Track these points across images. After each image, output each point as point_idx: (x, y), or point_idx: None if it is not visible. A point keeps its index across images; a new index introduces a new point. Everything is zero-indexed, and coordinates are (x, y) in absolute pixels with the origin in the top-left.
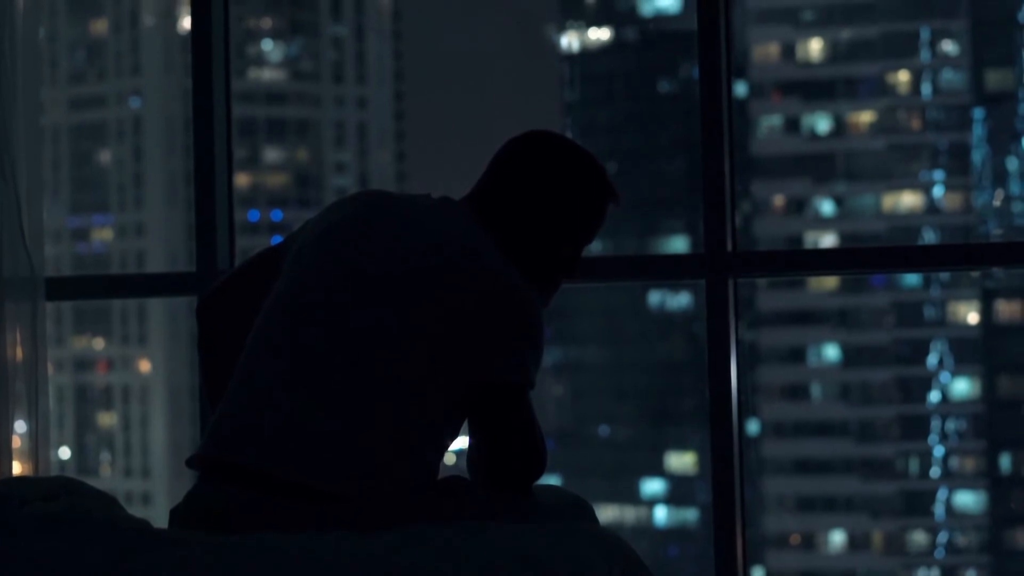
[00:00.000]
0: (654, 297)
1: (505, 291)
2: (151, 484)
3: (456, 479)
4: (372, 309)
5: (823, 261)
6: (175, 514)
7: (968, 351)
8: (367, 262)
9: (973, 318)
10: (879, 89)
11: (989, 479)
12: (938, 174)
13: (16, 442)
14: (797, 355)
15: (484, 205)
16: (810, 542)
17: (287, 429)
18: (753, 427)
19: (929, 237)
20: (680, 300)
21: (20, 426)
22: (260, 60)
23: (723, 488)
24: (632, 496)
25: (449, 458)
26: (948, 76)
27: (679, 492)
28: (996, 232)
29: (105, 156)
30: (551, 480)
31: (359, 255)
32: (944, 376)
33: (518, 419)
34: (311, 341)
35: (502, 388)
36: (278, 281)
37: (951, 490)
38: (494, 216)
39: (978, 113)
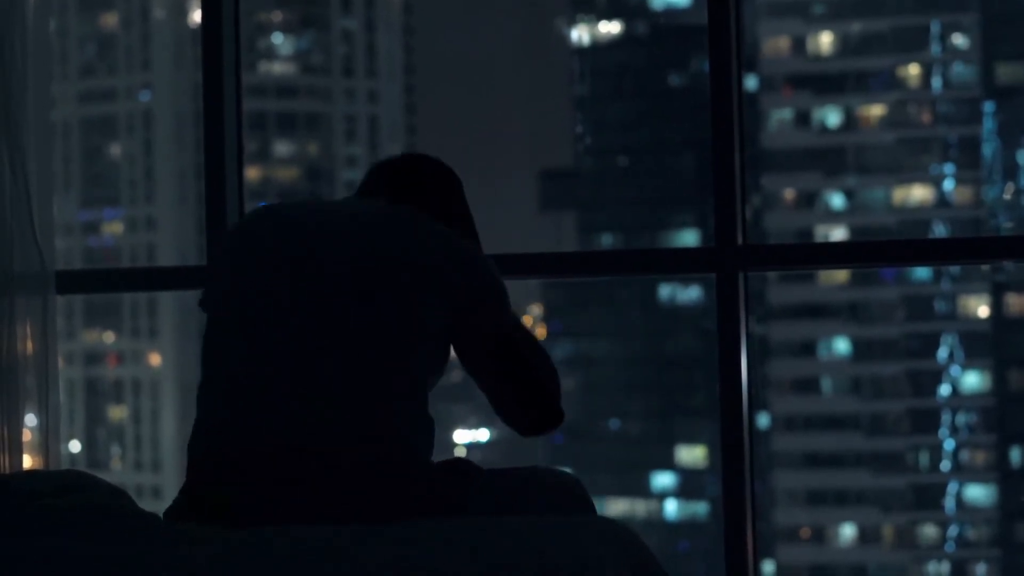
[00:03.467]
0: (664, 291)
1: (457, 244)
2: (161, 478)
3: (460, 460)
4: (346, 284)
5: (833, 255)
6: (172, 514)
7: (978, 345)
8: (329, 249)
9: (983, 312)
10: (890, 83)
11: (999, 473)
12: (948, 168)
13: (27, 436)
14: (807, 349)
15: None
16: (820, 536)
17: (285, 415)
18: (763, 421)
19: (939, 231)
20: (690, 294)
21: (30, 420)
22: (270, 54)
23: (733, 482)
24: (642, 490)
25: (460, 452)
26: (959, 70)
27: (689, 486)
28: (1006, 226)
29: (115, 150)
30: None
31: (318, 243)
32: (954, 370)
33: (518, 323)
34: (289, 321)
35: (487, 302)
36: (225, 279)
37: (961, 484)
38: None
39: (988, 107)
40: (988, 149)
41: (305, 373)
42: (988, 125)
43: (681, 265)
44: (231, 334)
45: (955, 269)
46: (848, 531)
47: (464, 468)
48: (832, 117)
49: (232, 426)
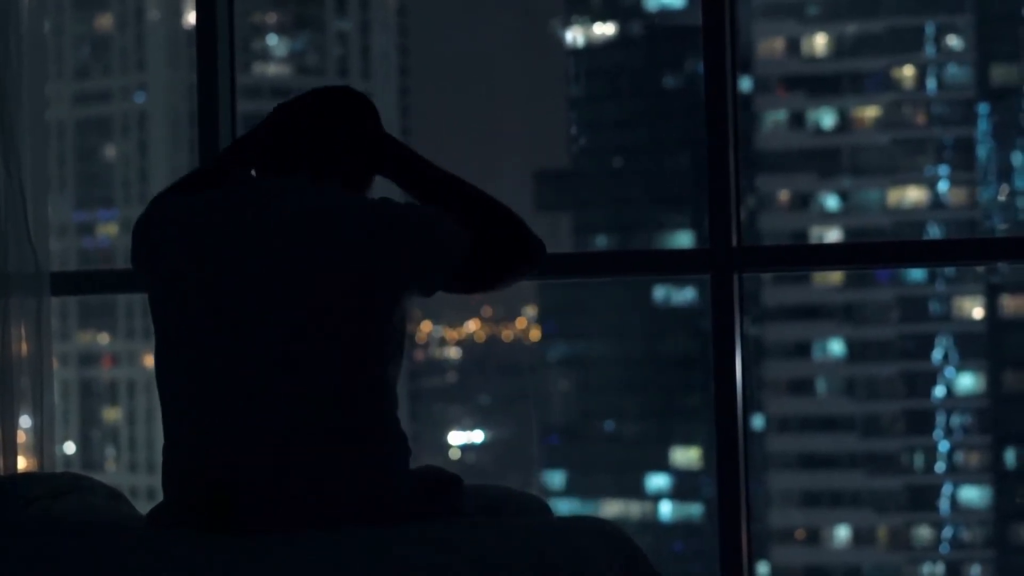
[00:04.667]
0: (659, 292)
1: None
2: (156, 479)
3: (440, 473)
4: (291, 282)
5: (828, 256)
6: (155, 519)
7: (973, 346)
8: (282, 256)
9: (978, 313)
10: (884, 84)
11: (994, 474)
12: (943, 169)
13: (21, 437)
14: (802, 350)
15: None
16: (815, 537)
17: (271, 423)
18: (758, 422)
19: (934, 232)
20: (685, 295)
21: (25, 421)
22: (265, 55)
23: (728, 483)
24: (637, 491)
25: (455, 453)
26: (953, 71)
27: (684, 487)
28: (1001, 227)
29: (110, 151)
30: (557, 476)
31: (267, 249)
32: (949, 371)
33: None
34: (256, 333)
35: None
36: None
37: (956, 485)
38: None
39: (983, 108)
40: (983, 150)
41: (283, 386)
42: (983, 126)
43: (676, 266)
44: (192, 352)
45: (950, 270)
46: (843, 532)
47: (445, 479)
48: (827, 118)
49: (214, 436)
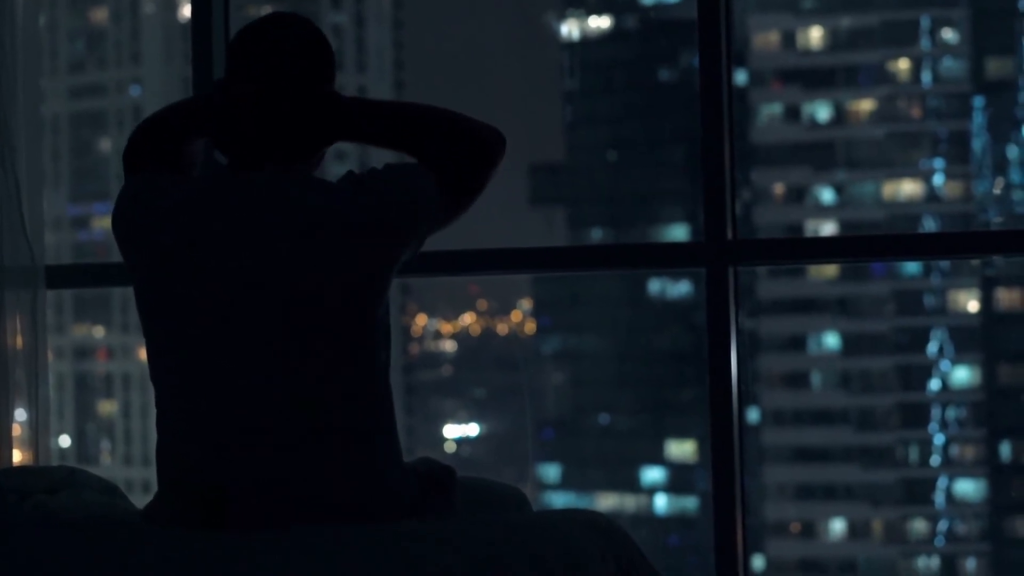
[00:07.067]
0: (654, 285)
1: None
2: (151, 472)
3: (435, 462)
4: (277, 281)
5: (823, 249)
6: (151, 515)
7: (968, 339)
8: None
9: (973, 306)
10: (879, 77)
11: (989, 467)
12: (938, 162)
13: (16, 430)
14: (797, 343)
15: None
16: (810, 530)
17: (262, 419)
18: (753, 415)
19: (929, 225)
20: (680, 288)
21: (20, 414)
22: None
23: (723, 476)
24: (632, 485)
25: (450, 446)
26: (948, 64)
27: (679, 480)
28: (996, 220)
29: (105, 145)
30: (552, 469)
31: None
32: (944, 364)
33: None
34: (248, 332)
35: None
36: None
37: (951, 478)
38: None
39: (978, 101)
40: (978, 144)
41: (273, 382)
42: (978, 120)
43: (671, 260)
44: (181, 346)
45: (945, 264)
46: (838, 525)
47: (440, 475)
48: (822, 112)
49: (205, 433)
